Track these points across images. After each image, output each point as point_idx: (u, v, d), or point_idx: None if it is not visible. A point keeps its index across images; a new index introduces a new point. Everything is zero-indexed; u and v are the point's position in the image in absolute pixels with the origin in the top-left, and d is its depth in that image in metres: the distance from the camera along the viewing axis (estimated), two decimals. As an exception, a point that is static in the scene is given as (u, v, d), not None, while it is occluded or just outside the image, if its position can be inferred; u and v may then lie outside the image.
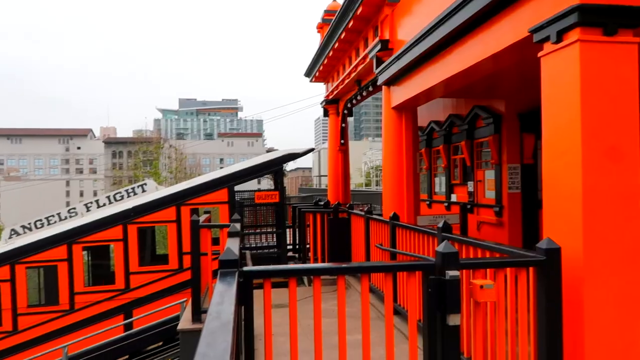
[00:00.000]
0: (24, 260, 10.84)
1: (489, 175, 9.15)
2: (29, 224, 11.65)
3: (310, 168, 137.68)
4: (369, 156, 65.18)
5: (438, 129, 10.81)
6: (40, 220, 11.67)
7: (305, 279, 9.31)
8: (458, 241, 4.22)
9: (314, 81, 13.28)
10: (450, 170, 10.67)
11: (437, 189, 11.50)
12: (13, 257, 10.80)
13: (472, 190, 9.65)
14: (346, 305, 3.30)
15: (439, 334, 3.07)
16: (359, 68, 9.51)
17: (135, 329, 10.71)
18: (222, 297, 2.27)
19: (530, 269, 3.27)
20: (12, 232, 11.55)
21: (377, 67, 8.00)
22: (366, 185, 58.96)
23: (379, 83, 8.23)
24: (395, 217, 6.36)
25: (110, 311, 10.89)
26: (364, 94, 10.35)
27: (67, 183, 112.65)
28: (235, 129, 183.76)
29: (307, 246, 10.64)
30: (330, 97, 12.64)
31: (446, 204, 10.78)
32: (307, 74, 13.31)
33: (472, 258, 3.93)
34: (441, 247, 3.03)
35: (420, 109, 8.48)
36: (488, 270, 3.43)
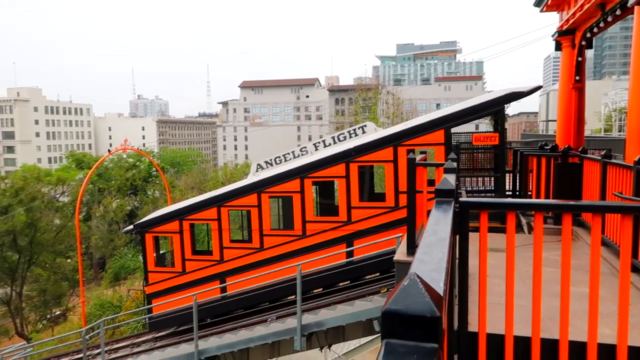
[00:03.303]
0: (267, 190, 12.77)
1: None
2: (270, 160, 13.59)
3: (536, 113, 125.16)
4: (611, 97, 55.68)
5: None
6: (279, 157, 13.48)
7: (525, 227, 8.78)
8: None
9: (545, 10, 11.80)
10: None
11: None
12: (259, 187, 12.82)
13: None
14: (572, 258, 3.03)
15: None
16: (605, -12, 8.09)
17: (355, 258, 11.78)
18: (438, 221, 2.35)
19: None
20: (258, 167, 13.67)
21: (629, -16, 6.70)
22: (606, 131, 50.89)
23: (629, 4, 6.90)
24: (641, 161, 5.44)
25: (334, 240, 12.14)
26: (609, 19, 8.80)
27: (298, 128, 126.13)
28: (453, 72, 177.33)
29: (529, 193, 9.93)
30: (565, 27, 11.11)
31: None
32: (537, 2, 11.89)
33: None
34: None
35: (688, 31, 6.85)
36: None
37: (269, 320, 12.37)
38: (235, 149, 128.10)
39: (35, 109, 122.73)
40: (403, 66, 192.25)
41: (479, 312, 3.22)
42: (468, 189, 11.03)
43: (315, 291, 13.45)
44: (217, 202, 13.30)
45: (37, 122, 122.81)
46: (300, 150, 13.32)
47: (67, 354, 18.62)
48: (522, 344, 3.04)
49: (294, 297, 12.34)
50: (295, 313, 11.23)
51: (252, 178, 13.39)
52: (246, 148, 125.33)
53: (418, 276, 1.01)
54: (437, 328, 0.96)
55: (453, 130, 11.10)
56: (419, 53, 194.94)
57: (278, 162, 13.46)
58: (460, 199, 2.98)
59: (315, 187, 13.45)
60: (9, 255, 35.68)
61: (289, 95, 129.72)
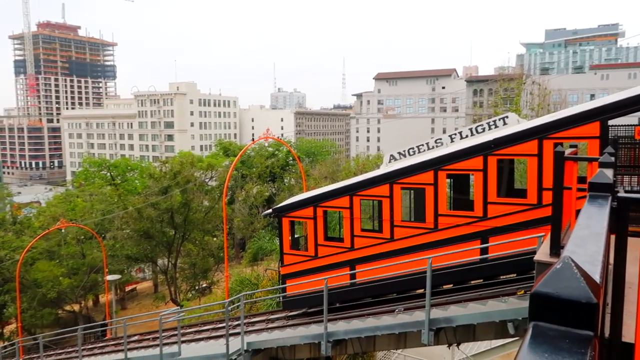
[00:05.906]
0: (399, 181, 12.70)
1: None
2: (404, 151, 13.46)
3: None
4: None
5: None
6: (412, 148, 13.30)
7: (699, 235, 7.56)
8: None
9: None
10: None
11: None
12: (391, 178, 12.78)
13: None
14: None
15: None
16: None
17: (490, 255, 11.19)
18: (592, 215, 2.18)
19: None
20: (391, 157, 13.64)
21: None
22: None
23: None
24: None
25: (467, 235, 11.63)
26: None
27: (432, 120, 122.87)
28: (612, 59, 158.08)
29: None
30: None
31: None
32: None
33: None
34: None
35: None
36: None
37: (396, 311, 12.38)
38: (368, 140, 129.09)
39: (191, 102, 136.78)
40: (552, 54, 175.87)
41: (636, 323, 2.90)
42: (627, 189, 9.82)
43: (444, 287, 13.11)
44: (350, 191, 13.58)
45: (192, 113, 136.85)
46: (435, 141, 12.99)
47: (211, 321, 20.66)
48: (691, 363, 2.67)
49: (422, 290, 12.16)
50: (423, 306, 11.08)
51: (384, 168, 13.42)
52: (378, 140, 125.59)
53: (573, 260, 0.97)
54: (593, 315, 0.92)
55: (610, 122, 9.93)
56: (572, 39, 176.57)
57: (411, 153, 13.30)
58: (619, 195, 2.70)
59: (449, 180, 13.03)
60: (167, 230, 40.63)
61: (423, 86, 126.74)
